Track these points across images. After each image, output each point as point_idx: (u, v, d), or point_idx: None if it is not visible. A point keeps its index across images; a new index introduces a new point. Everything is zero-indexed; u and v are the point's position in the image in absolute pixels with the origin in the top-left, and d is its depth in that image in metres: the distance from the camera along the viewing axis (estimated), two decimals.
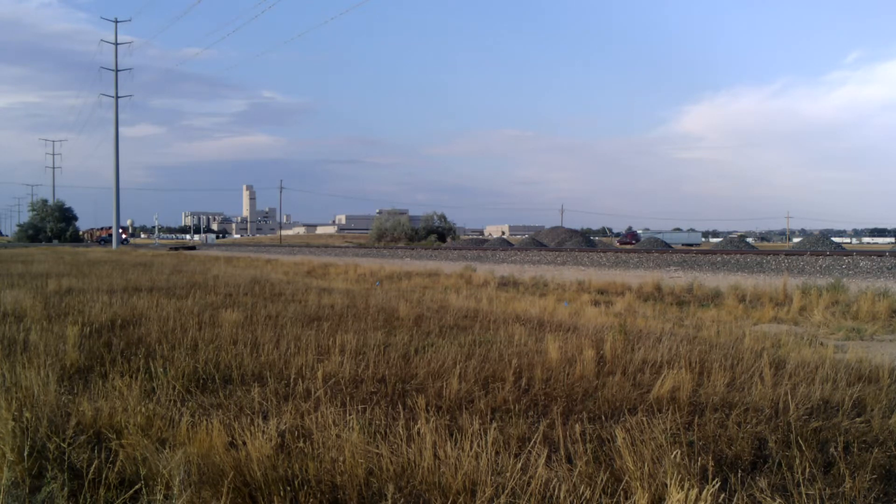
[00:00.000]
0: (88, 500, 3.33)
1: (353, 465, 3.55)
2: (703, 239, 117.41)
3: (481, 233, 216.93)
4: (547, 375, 5.73)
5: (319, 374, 5.61)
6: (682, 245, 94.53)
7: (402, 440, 3.93)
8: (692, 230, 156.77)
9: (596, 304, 12.79)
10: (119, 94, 75.44)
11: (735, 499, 3.34)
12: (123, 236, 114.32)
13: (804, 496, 3.33)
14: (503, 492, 3.31)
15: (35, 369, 5.34)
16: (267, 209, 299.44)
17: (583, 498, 3.31)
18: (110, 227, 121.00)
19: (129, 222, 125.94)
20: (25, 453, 3.70)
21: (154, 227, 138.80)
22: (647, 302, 13.48)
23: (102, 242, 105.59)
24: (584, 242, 61.33)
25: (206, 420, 4.26)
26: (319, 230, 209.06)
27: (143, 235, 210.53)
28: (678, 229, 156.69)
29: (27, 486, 3.55)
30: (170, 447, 3.91)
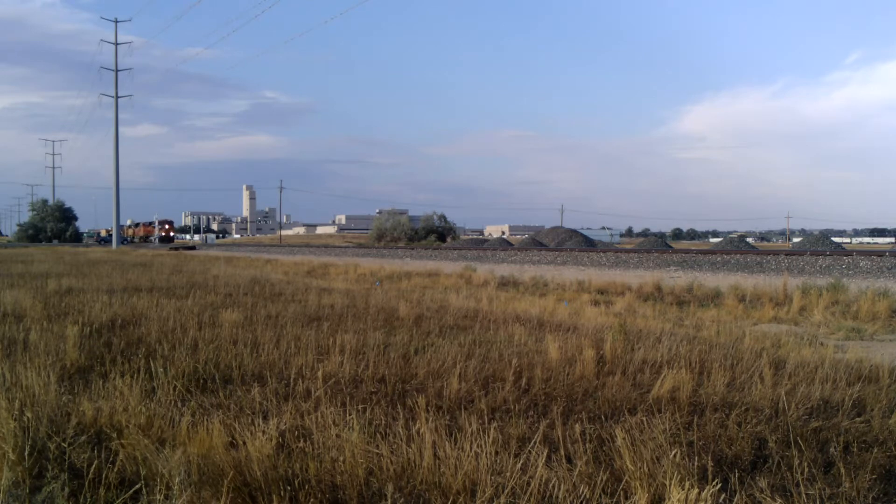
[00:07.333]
0: (89, 499, 3.33)
1: (353, 465, 3.55)
2: (617, 238, 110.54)
3: (481, 233, 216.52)
4: (547, 375, 5.73)
5: (319, 373, 5.61)
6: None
7: (402, 440, 3.93)
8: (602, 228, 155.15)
9: (596, 304, 12.79)
10: (119, 94, 75.53)
11: (735, 499, 3.34)
12: (170, 234, 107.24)
13: (804, 496, 3.34)
14: (503, 492, 3.32)
15: (35, 369, 5.34)
16: (267, 209, 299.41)
17: (583, 498, 3.31)
18: (139, 225, 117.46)
19: (128, 221, 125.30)
20: (26, 453, 3.71)
21: None
22: (647, 302, 13.48)
23: (102, 242, 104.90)
24: (585, 242, 61.32)
25: (207, 420, 4.26)
26: (319, 230, 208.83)
27: None
28: (588, 228, 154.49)
29: (28, 486, 3.55)
30: (170, 447, 3.91)
